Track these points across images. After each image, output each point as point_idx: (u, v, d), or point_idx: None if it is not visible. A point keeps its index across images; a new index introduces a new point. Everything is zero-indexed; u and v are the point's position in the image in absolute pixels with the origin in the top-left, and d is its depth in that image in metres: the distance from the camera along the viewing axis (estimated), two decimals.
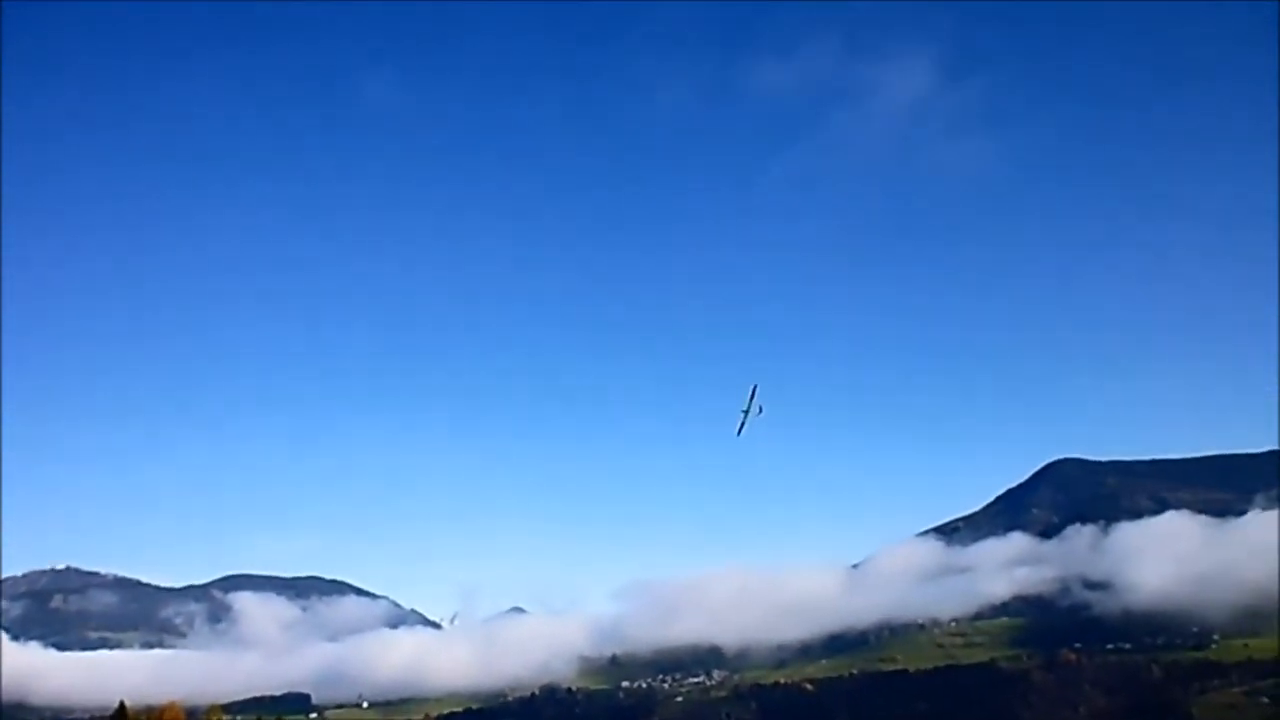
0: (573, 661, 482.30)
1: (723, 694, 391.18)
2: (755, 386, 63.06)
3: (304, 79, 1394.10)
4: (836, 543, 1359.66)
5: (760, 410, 68.95)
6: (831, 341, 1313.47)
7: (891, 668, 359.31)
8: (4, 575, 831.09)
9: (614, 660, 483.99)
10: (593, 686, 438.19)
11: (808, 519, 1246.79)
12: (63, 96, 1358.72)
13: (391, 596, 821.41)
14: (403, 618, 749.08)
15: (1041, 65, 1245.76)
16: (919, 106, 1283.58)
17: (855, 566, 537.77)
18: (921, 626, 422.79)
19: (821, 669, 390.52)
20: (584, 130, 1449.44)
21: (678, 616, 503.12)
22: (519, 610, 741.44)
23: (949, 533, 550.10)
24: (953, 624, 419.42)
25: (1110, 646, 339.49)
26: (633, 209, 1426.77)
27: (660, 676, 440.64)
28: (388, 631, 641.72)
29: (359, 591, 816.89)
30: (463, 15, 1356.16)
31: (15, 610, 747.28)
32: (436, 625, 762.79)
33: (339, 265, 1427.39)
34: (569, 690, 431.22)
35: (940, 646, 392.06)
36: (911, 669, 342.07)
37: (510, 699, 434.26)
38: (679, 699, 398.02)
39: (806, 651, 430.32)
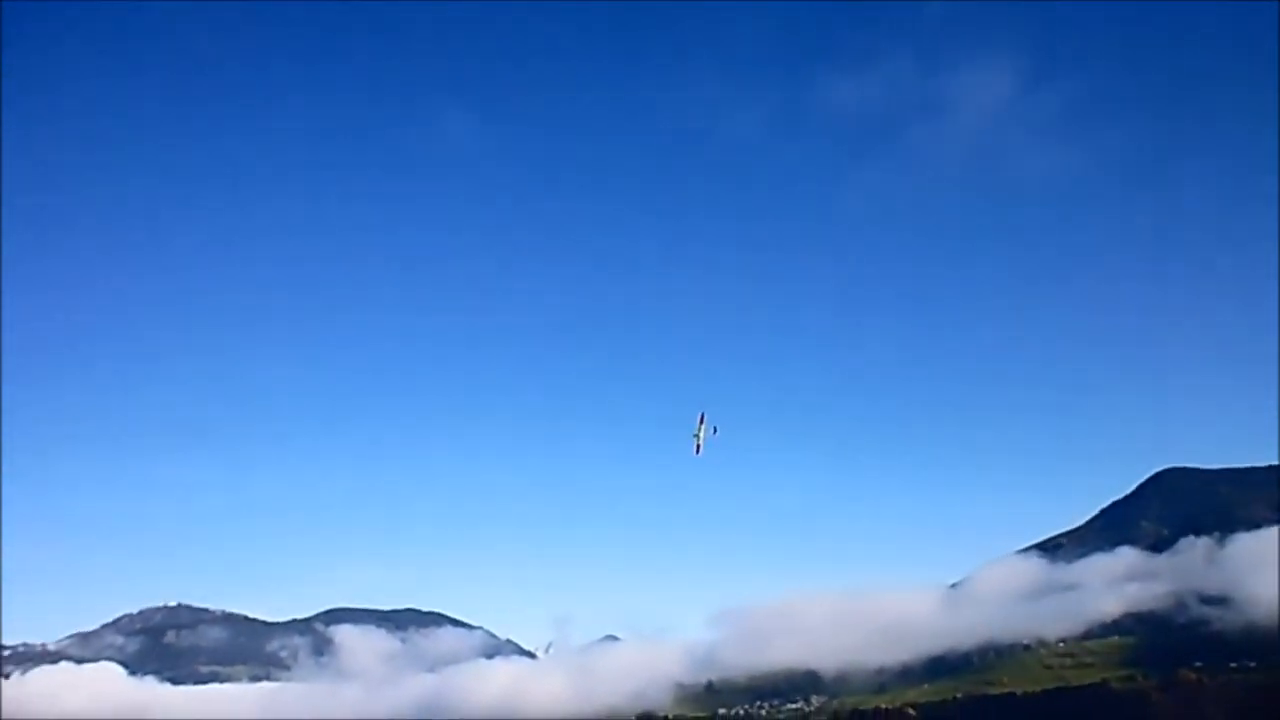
0: (668, 689, 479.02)
1: None
2: (703, 414, 64.74)
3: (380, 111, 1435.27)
4: (933, 562, 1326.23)
5: (715, 431, 69.50)
6: (922, 355, 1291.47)
7: (998, 690, 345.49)
8: (121, 613, 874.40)
9: (710, 687, 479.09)
10: (689, 714, 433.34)
11: (902, 539, 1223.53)
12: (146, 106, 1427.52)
13: (487, 627, 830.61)
14: (498, 648, 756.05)
15: (1126, 66, 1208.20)
16: (1000, 114, 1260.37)
17: (954, 586, 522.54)
18: (1027, 647, 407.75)
19: (924, 693, 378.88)
20: (657, 153, 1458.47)
21: (772, 642, 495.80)
22: (613, 638, 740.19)
23: (1051, 549, 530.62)
24: (1061, 644, 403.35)
25: (1234, 665, 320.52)
26: (712, 234, 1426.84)
27: (757, 703, 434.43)
28: (484, 661, 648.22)
29: (455, 622, 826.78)
30: (534, 42, 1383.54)
31: (132, 646, 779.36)
32: (531, 655, 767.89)
33: (433, 305, 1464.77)
34: (665, 718, 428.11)
35: (1048, 668, 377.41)
36: (1019, 691, 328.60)
37: None
38: None
39: (907, 675, 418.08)
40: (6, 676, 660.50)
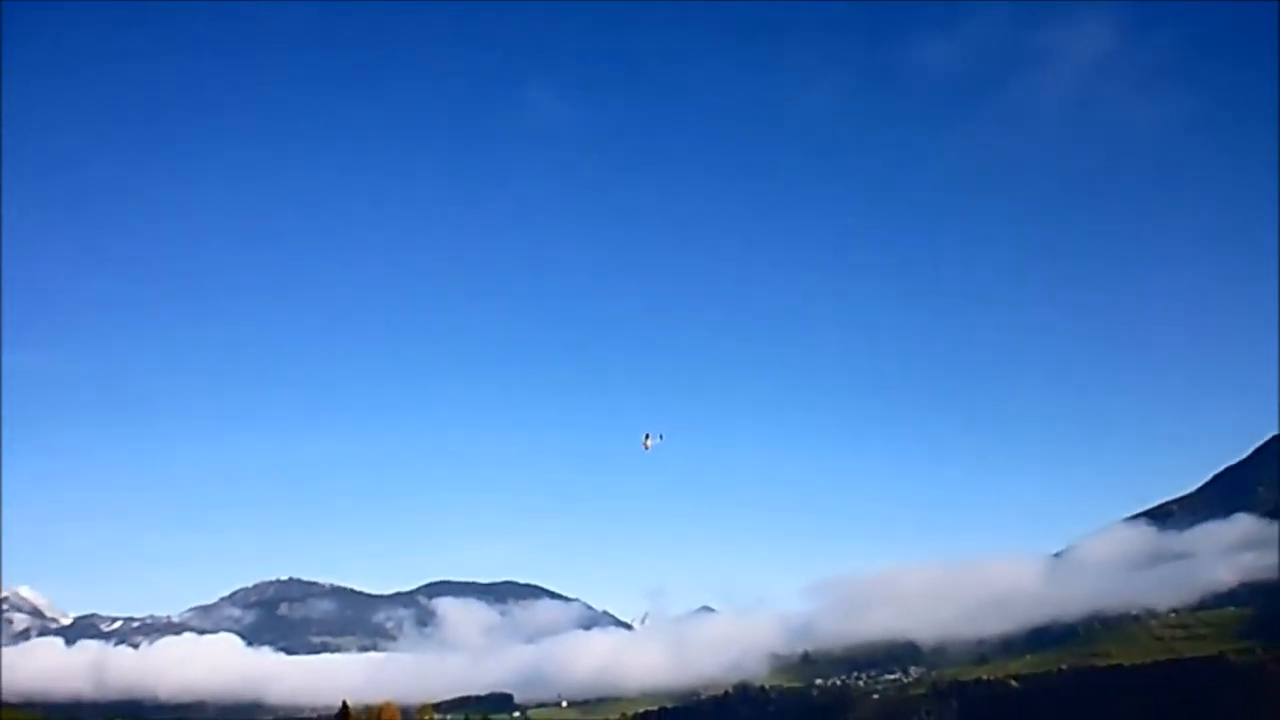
0: (764, 659, 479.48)
1: (920, 691, 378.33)
2: (647, 434, 66.27)
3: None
4: (1036, 531, 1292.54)
5: (661, 437, 70.47)
6: (1027, 317, 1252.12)
7: (1104, 663, 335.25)
8: (237, 587, 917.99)
9: (806, 658, 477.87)
10: (785, 684, 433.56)
11: (1004, 507, 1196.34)
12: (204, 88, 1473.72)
13: (584, 599, 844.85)
14: (595, 619, 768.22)
15: (1230, 13, 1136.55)
16: (1099, 68, 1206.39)
17: (1057, 555, 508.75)
18: (1136, 618, 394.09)
19: (1026, 664, 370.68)
20: (751, 123, 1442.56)
21: (870, 612, 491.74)
22: (708, 609, 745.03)
23: (1161, 517, 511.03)
24: (1171, 615, 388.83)
25: None
26: (809, 202, 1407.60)
27: (854, 674, 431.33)
28: (581, 633, 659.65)
29: (553, 595, 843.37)
30: (622, 16, 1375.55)
31: (248, 618, 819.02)
32: (628, 626, 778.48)
33: (527, 276, 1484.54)
34: (762, 688, 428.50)
35: (1158, 639, 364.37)
36: (1127, 663, 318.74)
37: (704, 697, 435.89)
38: (875, 696, 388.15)
39: (1009, 646, 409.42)
40: (136, 646, 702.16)
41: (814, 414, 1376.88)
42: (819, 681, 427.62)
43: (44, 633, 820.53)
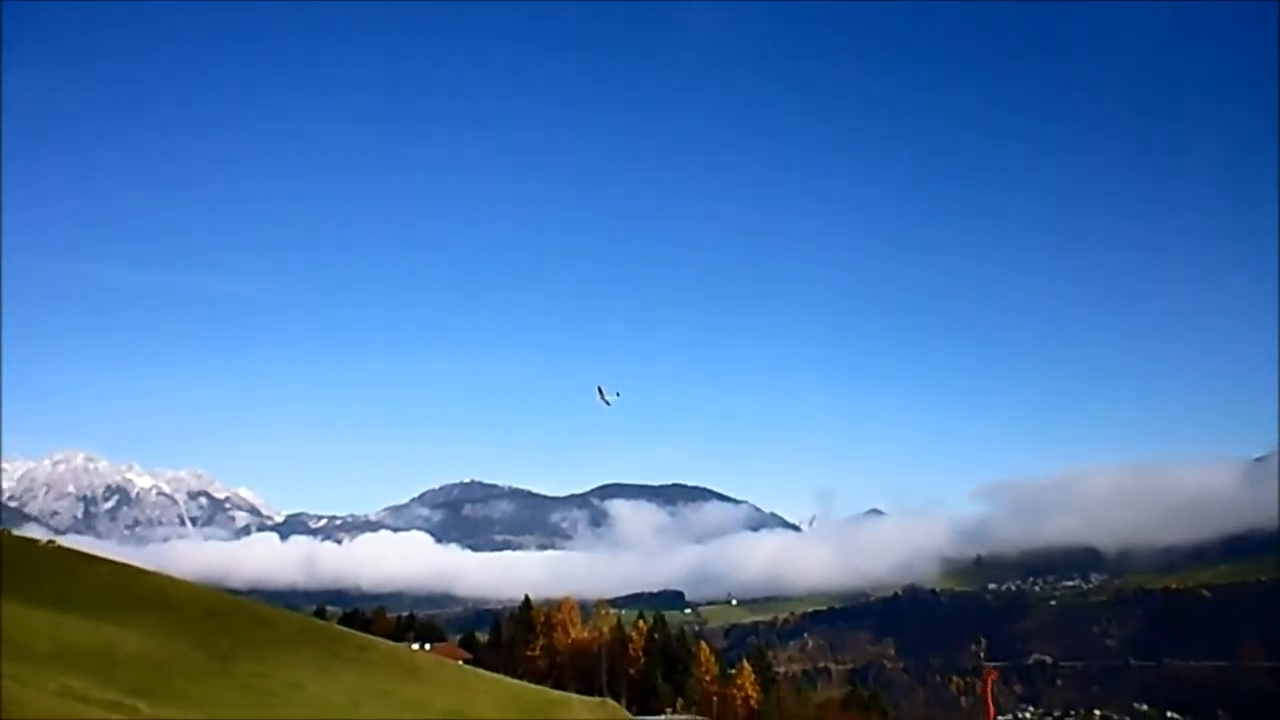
0: (934, 563, 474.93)
1: (1102, 598, 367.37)
2: (600, 387, 66.37)
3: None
4: (1234, 435, 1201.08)
5: (618, 394, 70.03)
6: (1228, 210, 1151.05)
7: None
8: (424, 488, 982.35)
9: (979, 561, 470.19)
10: (957, 588, 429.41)
11: (1198, 408, 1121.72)
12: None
13: (752, 501, 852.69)
14: (763, 521, 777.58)
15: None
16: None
17: (1259, 460, 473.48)
18: None
19: (1219, 575, 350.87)
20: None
21: (1047, 516, 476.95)
22: (877, 512, 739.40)
23: None
24: None
25: None
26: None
27: (1030, 579, 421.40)
28: (750, 534, 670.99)
29: (721, 497, 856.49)
30: None
31: (436, 517, 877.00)
32: (796, 528, 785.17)
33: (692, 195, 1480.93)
34: (932, 591, 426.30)
35: None
36: None
37: (873, 599, 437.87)
38: (1052, 602, 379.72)
39: (1200, 555, 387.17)
40: (339, 542, 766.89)
41: (982, 307, 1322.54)
42: (992, 586, 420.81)
43: (261, 529, 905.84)
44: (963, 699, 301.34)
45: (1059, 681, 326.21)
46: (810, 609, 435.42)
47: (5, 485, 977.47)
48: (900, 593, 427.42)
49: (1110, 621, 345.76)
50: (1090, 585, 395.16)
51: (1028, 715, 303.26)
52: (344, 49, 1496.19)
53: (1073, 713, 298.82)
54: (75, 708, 31.60)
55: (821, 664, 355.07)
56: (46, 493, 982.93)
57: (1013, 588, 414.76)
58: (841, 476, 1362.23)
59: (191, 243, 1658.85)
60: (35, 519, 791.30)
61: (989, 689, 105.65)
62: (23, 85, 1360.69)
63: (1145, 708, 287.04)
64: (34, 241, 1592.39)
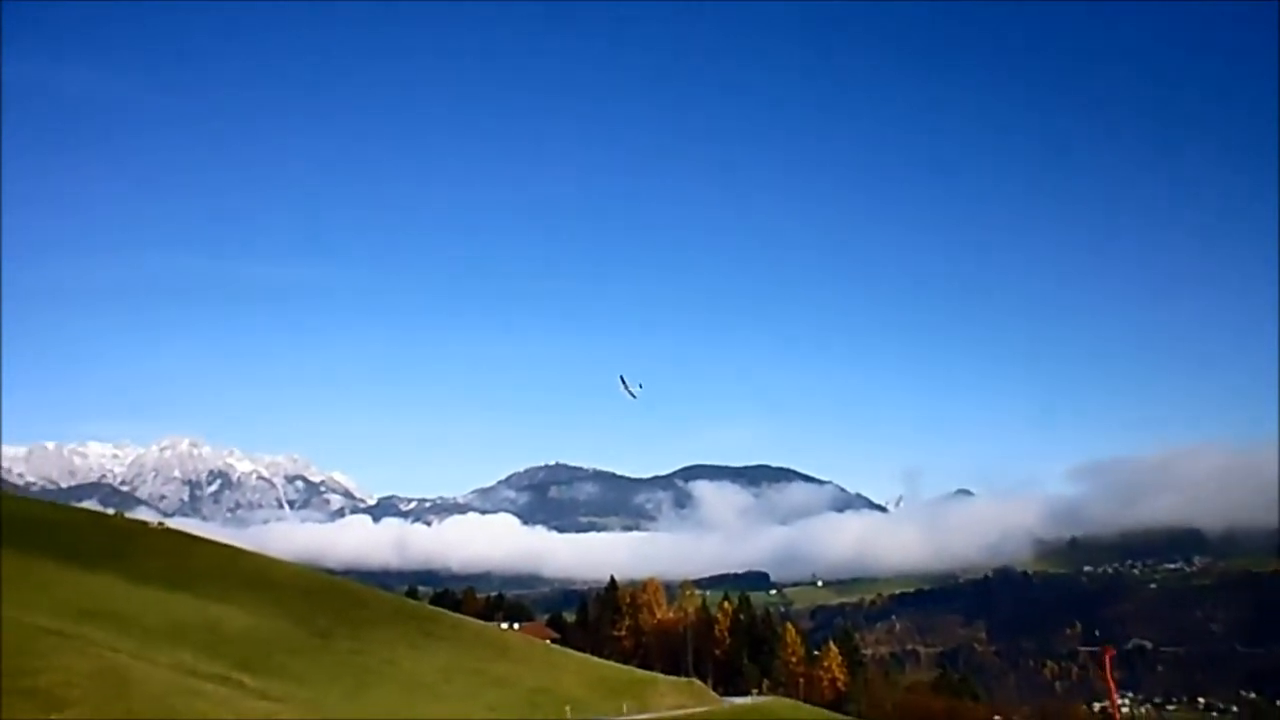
0: (1026, 544, 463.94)
1: (1206, 582, 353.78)
2: (622, 376, 65.28)
3: None
4: None
5: (640, 386, 68.31)
6: None
7: None
8: (510, 471, 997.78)
9: (1074, 543, 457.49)
10: (1050, 570, 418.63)
11: None
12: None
13: (837, 481, 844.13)
14: (849, 501, 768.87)
15: None
16: None
17: None
18: None
19: None
20: None
21: (1146, 497, 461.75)
22: (965, 492, 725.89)
23: None
24: None
25: None
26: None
27: (1128, 562, 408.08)
28: (835, 515, 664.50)
29: (805, 478, 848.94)
30: None
31: (522, 499, 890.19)
32: (882, 508, 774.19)
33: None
34: (1024, 573, 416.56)
35: None
36: None
37: (962, 581, 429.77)
38: (1152, 585, 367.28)
39: None
40: (429, 524, 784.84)
41: (1077, 280, 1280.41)
42: (1088, 568, 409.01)
43: (354, 511, 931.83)
44: (1057, 683, 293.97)
45: (1160, 668, 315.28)
46: (897, 591, 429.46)
47: (117, 471, 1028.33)
48: (991, 575, 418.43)
49: (1214, 606, 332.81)
50: (1193, 568, 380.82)
51: (1126, 701, 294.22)
52: (436, 46, 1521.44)
53: (1174, 700, 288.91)
54: (187, 680, 33.28)
55: (909, 646, 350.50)
56: (155, 477, 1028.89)
57: (1110, 570, 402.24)
58: (928, 457, 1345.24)
59: (288, 237, 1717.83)
60: (145, 502, 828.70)
61: (1108, 668, 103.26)
62: (131, 88, 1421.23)
63: (1253, 696, 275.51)
64: (140, 239, 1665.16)
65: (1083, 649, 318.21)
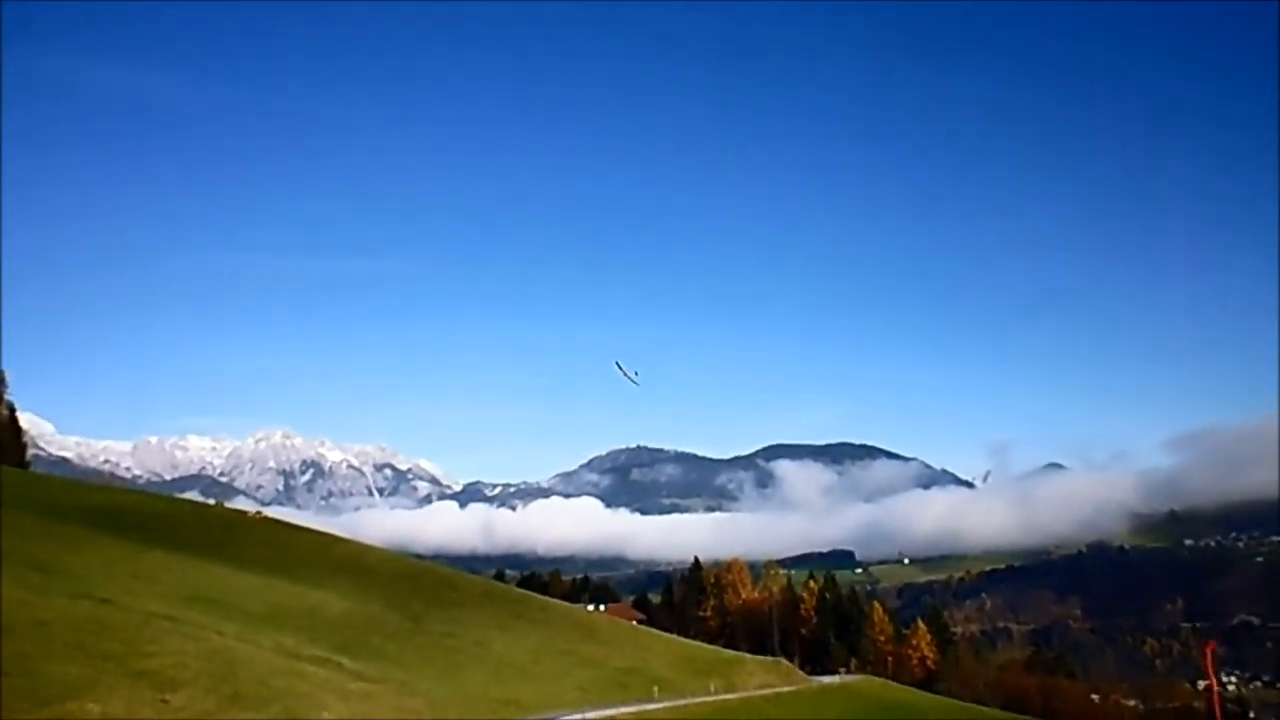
0: (1122, 518, 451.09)
1: None
2: (618, 362, 64.35)
3: None
4: None
5: (637, 373, 67.11)
6: None
7: None
8: (592, 455, 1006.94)
9: (1173, 516, 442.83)
10: (1148, 544, 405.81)
11: None
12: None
13: (921, 457, 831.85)
14: (934, 478, 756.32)
15: None
16: None
17: None
18: None
19: None
20: None
21: (1250, 467, 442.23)
22: (1057, 466, 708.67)
23: None
24: None
25: None
26: None
27: (1231, 535, 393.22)
28: (920, 491, 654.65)
29: (889, 454, 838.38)
30: None
31: (605, 482, 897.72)
32: (969, 484, 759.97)
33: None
34: (1121, 548, 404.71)
35: None
36: None
37: (1055, 556, 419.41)
38: (1259, 559, 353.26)
39: None
40: (514, 509, 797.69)
41: (1167, 248, 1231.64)
42: (1188, 542, 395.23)
43: (441, 497, 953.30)
44: (1158, 661, 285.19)
45: (1269, 644, 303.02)
46: (987, 567, 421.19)
47: (216, 462, 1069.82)
48: (1085, 550, 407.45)
49: None
50: None
51: (1234, 679, 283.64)
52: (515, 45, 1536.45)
53: None
54: (289, 663, 34.61)
55: (1001, 624, 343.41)
56: (251, 468, 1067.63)
57: (1212, 544, 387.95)
58: (1016, 430, 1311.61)
59: (375, 231, 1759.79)
60: (243, 492, 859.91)
61: (1210, 661, 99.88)
62: (209, 94, 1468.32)
63: None
64: (229, 240, 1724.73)
65: (1185, 625, 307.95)
